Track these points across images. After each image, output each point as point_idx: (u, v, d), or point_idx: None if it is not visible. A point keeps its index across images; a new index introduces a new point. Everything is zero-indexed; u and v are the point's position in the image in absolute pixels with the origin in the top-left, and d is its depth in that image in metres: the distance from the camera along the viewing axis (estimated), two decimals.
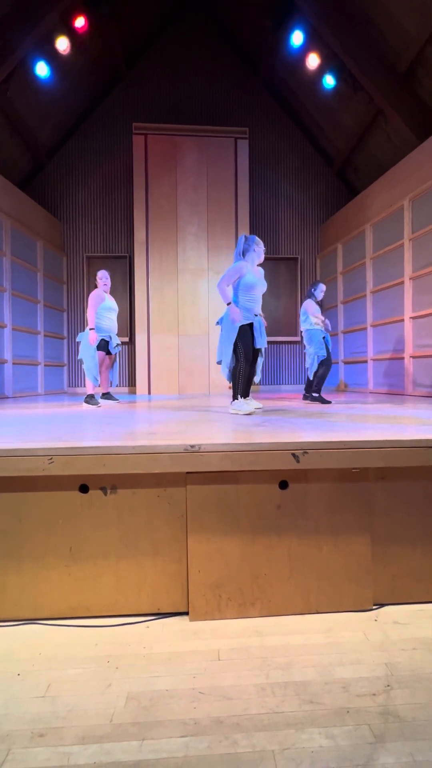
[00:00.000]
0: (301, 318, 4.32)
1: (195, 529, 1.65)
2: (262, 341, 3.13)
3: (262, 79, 7.19)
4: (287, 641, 1.48)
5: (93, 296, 4.08)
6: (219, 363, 3.18)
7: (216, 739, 1.08)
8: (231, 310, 2.99)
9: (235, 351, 3.04)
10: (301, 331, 4.42)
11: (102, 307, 4.09)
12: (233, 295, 3.09)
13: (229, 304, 3.03)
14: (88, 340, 3.98)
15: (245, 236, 3.22)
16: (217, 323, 3.21)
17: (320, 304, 4.37)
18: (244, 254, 3.17)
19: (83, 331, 4.33)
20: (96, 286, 4.19)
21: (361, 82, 5.49)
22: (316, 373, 4.26)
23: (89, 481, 1.66)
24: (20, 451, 1.61)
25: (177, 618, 1.64)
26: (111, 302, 4.21)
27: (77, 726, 1.12)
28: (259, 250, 3.17)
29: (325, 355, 4.18)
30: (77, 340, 4.22)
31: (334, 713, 1.16)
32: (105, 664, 1.37)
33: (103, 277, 4.20)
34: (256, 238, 3.21)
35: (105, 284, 4.18)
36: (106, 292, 4.20)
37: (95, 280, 4.25)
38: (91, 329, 3.97)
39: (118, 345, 4.30)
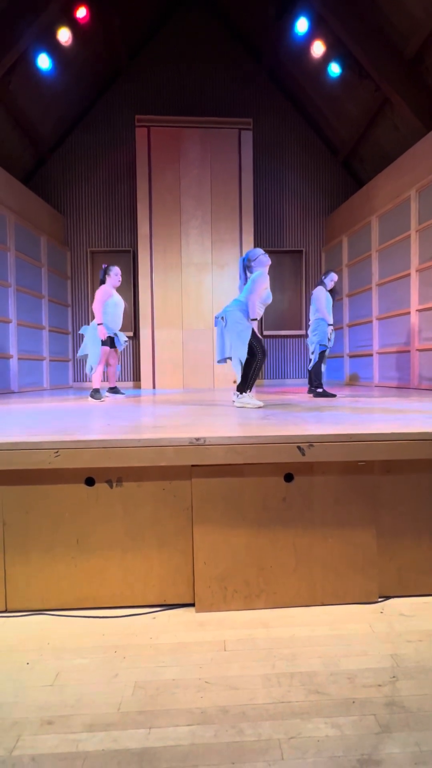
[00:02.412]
0: (312, 306, 4.31)
1: (200, 522, 1.65)
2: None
3: (266, 68, 7.08)
4: (293, 633, 1.49)
5: (101, 291, 4.06)
6: (222, 361, 3.09)
7: (222, 727, 1.09)
8: (253, 326, 2.96)
9: (250, 348, 2.99)
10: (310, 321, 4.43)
11: (108, 303, 4.08)
12: (245, 300, 3.03)
13: (253, 320, 2.97)
14: (96, 334, 3.98)
15: (251, 251, 3.18)
16: (217, 319, 3.09)
17: (332, 293, 4.37)
18: (251, 268, 3.12)
19: (88, 324, 4.33)
20: (104, 282, 4.16)
21: (367, 70, 5.39)
22: (315, 364, 4.25)
23: (95, 474, 1.66)
24: (26, 445, 1.62)
25: (183, 609, 1.65)
26: (118, 297, 4.19)
27: (85, 714, 1.14)
28: (266, 257, 3.15)
29: (326, 345, 4.18)
30: (80, 332, 4.22)
31: (339, 703, 1.16)
32: (112, 654, 1.38)
33: (117, 274, 4.16)
34: (256, 249, 3.19)
35: (116, 281, 4.14)
36: (114, 287, 4.17)
37: (100, 276, 4.21)
38: (99, 324, 3.95)
39: (126, 341, 4.31)
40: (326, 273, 4.38)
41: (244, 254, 3.19)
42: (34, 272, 6.05)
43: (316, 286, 4.37)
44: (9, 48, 4.94)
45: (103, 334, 3.96)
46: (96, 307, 4.01)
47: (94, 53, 6.28)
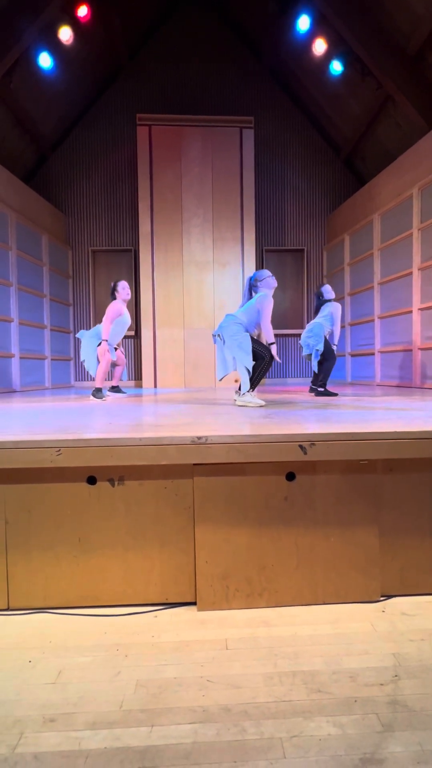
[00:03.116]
0: (328, 319, 4.31)
1: (202, 520, 1.65)
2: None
3: (268, 66, 7.06)
4: (294, 631, 1.49)
5: (112, 308, 4.03)
6: (222, 378, 3.09)
7: (224, 726, 1.09)
8: (273, 350, 2.99)
9: (255, 354, 2.99)
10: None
11: (117, 322, 4.09)
12: (248, 318, 3.03)
13: (272, 344, 2.99)
14: (94, 343, 3.99)
15: (259, 272, 3.20)
16: (214, 337, 3.08)
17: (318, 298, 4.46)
18: (257, 288, 3.14)
19: (87, 329, 4.35)
20: (114, 298, 4.15)
21: (369, 68, 5.36)
22: (320, 364, 4.27)
23: (97, 473, 1.67)
24: (28, 444, 1.62)
25: (185, 608, 1.65)
26: (127, 316, 4.20)
27: (87, 712, 1.14)
28: (273, 280, 3.17)
29: (322, 349, 4.20)
30: (78, 336, 4.22)
31: (341, 702, 1.16)
32: (114, 652, 1.38)
33: (124, 288, 4.17)
34: (265, 270, 3.22)
35: (125, 295, 4.15)
36: (125, 301, 4.17)
37: (112, 289, 4.19)
38: (104, 340, 3.95)
39: (117, 347, 4.33)
40: (324, 286, 4.47)
41: (251, 274, 3.23)
42: (35, 271, 6.05)
43: (322, 301, 4.40)
44: (10, 47, 4.94)
45: (103, 352, 3.96)
46: (105, 323, 3.97)
47: (95, 52, 6.27)
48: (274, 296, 3.24)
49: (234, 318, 3.03)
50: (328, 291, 4.44)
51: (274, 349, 3.00)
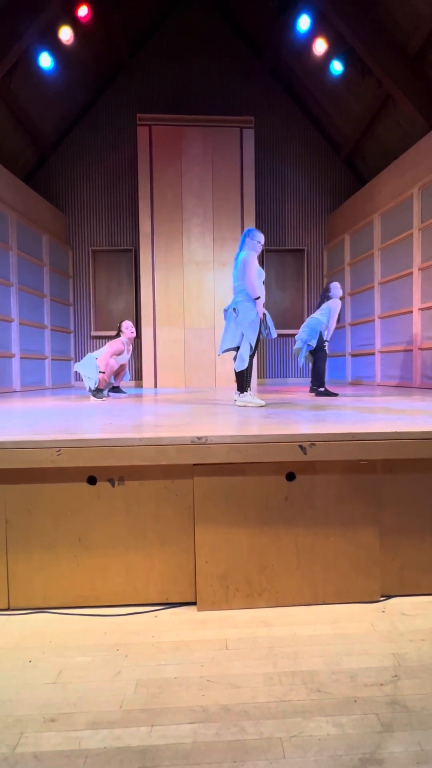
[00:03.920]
0: (326, 315, 4.31)
1: (202, 521, 1.66)
2: (273, 331, 3.13)
3: (268, 66, 7.05)
4: (294, 631, 1.49)
5: (112, 345, 4.04)
6: (224, 352, 3.07)
7: (224, 726, 1.09)
8: (258, 305, 2.98)
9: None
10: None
11: (116, 358, 4.11)
12: (243, 288, 3.04)
13: (257, 298, 2.98)
14: (93, 365, 3.95)
15: (255, 232, 3.19)
16: (227, 311, 3.09)
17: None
18: (244, 245, 3.12)
19: (86, 345, 4.35)
20: (118, 335, 4.17)
21: (369, 67, 5.36)
22: (314, 365, 4.28)
23: (97, 473, 1.67)
24: (29, 444, 1.62)
25: (185, 608, 1.65)
26: (127, 355, 4.23)
27: (88, 712, 1.14)
28: (259, 246, 3.13)
29: (314, 345, 4.20)
30: (75, 369, 4.12)
31: (341, 702, 1.16)
32: (114, 652, 1.39)
33: (128, 328, 4.19)
34: (256, 230, 3.18)
35: (129, 337, 4.17)
36: (128, 342, 4.19)
37: (118, 329, 4.21)
38: (102, 372, 3.93)
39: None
40: (333, 282, 4.44)
41: (247, 229, 3.17)
42: (36, 271, 6.06)
43: (326, 294, 4.39)
44: (11, 47, 4.94)
45: (103, 382, 3.96)
46: (101, 359, 3.95)
47: (96, 52, 6.27)
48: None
49: (244, 293, 3.01)
50: (336, 288, 4.41)
51: (259, 304, 2.98)
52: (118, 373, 4.40)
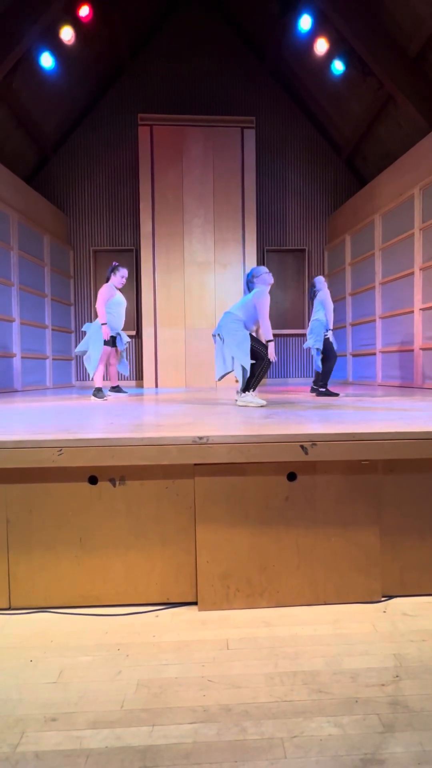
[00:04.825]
0: (320, 310, 4.31)
1: (203, 521, 1.66)
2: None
3: (269, 66, 7.06)
4: (295, 632, 1.49)
5: (103, 290, 4.04)
6: (221, 378, 3.06)
7: (225, 726, 1.09)
8: (270, 348, 2.97)
9: (254, 353, 2.98)
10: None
11: (111, 302, 4.08)
12: (246, 314, 3.00)
13: (270, 341, 2.96)
14: (99, 333, 3.97)
15: (256, 268, 3.20)
16: (214, 336, 3.08)
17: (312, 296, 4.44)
18: (252, 285, 3.13)
19: (91, 322, 4.32)
20: (107, 280, 4.13)
21: (370, 67, 5.36)
22: (323, 363, 4.27)
23: (98, 473, 1.67)
24: (30, 443, 1.63)
25: (186, 608, 1.65)
26: (120, 296, 4.18)
27: (89, 711, 1.14)
28: (269, 276, 3.15)
29: (321, 347, 4.19)
30: (83, 329, 4.20)
31: (342, 703, 1.16)
32: (115, 652, 1.39)
33: (123, 276, 4.15)
34: (257, 267, 3.21)
35: (119, 282, 4.12)
36: (117, 288, 4.15)
37: (107, 273, 4.17)
38: (103, 324, 3.94)
39: (128, 341, 4.31)
40: (315, 283, 4.41)
41: (248, 271, 3.22)
42: (37, 271, 6.06)
43: (313, 290, 4.39)
44: (12, 47, 4.95)
45: (107, 333, 3.96)
46: (99, 306, 3.99)
47: (97, 52, 6.28)
48: (274, 296, 3.25)
49: (232, 315, 3.01)
50: (320, 282, 4.35)
51: (271, 347, 2.98)
52: (109, 363, 4.35)
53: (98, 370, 4.00)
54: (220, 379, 3.09)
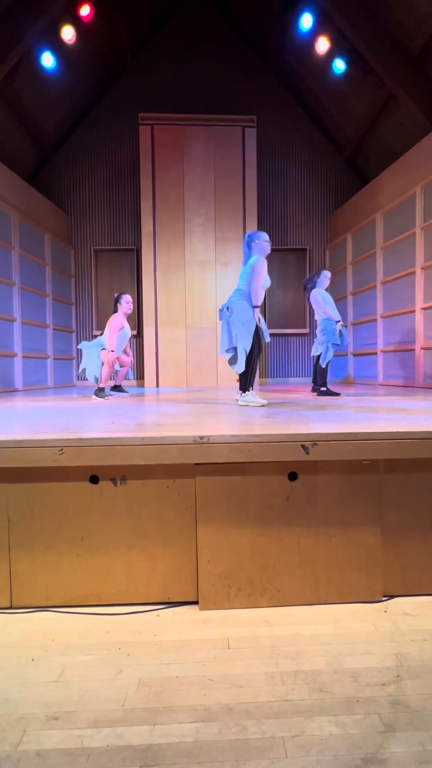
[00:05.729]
0: (316, 310, 4.30)
1: (204, 520, 1.66)
2: (267, 336, 3.12)
3: (270, 65, 7.04)
4: (296, 631, 1.49)
5: (114, 321, 4.07)
6: (230, 351, 3.04)
7: (226, 725, 1.09)
8: (255, 312, 2.96)
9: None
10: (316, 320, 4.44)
11: (119, 335, 4.12)
12: (248, 283, 2.99)
13: (256, 307, 2.95)
14: (98, 353, 4.01)
15: (257, 233, 3.17)
16: (222, 311, 3.07)
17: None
18: (251, 248, 3.10)
19: (89, 340, 4.40)
20: (116, 311, 4.19)
21: (372, 66, 5.34)
22: (327, 363, 4.27)
23: (99, 472, 1.67)
24: (31, 443, 1.63)
25: (187, 607, 1.65)
26: (128, 329, 4.25)
27: (90, 710, 1.15)
28: (267, 245, 3.11)
29: (338, 344, 4.19)
30: (79, 347, 4.23)
31: (343, 702, 1.16)
32: (116, 651, 1.39)
33: (128, 302, 4.21)
34: (257, 231, 3.16)
35: (127, 309, 4.19)
36: (127, 314, 4.21)
37: (112, 305, 4.22)
38: (111, 351, 3.99)
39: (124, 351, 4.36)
40: (318, 272, 4.37)
41: (248, 234, 3.16)
42: (38, 271, 6.07)
43: (307, 288, 4.38)
44: (13, 46, 4.95)
45: (112, 363, 4.00)
46: (110, 337, 4.01)
47: (98, 51, 6.27)
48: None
49: (242, 293, 2.99)
50: (312, 281, 4.32)
51: (256, 313, 2.96)
52: (121, 365, 4.40)
53: (105, 371, 4.01)
54: (225, 353, 3.06)
